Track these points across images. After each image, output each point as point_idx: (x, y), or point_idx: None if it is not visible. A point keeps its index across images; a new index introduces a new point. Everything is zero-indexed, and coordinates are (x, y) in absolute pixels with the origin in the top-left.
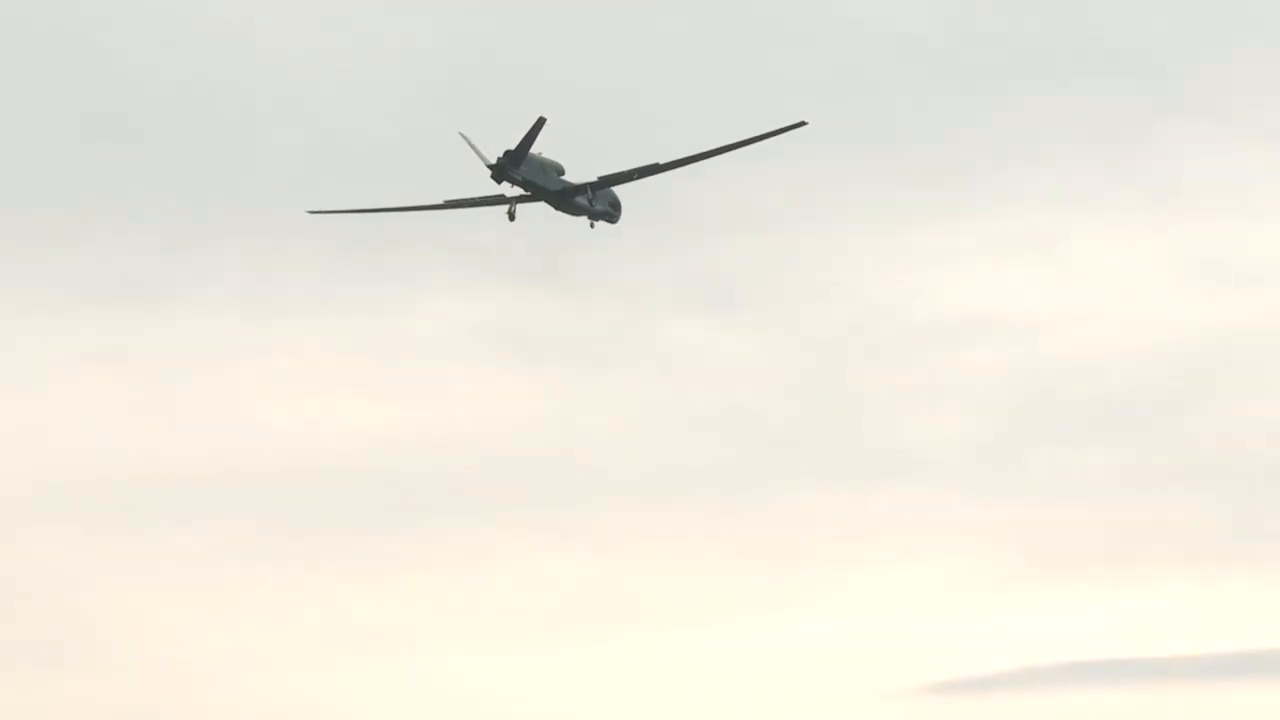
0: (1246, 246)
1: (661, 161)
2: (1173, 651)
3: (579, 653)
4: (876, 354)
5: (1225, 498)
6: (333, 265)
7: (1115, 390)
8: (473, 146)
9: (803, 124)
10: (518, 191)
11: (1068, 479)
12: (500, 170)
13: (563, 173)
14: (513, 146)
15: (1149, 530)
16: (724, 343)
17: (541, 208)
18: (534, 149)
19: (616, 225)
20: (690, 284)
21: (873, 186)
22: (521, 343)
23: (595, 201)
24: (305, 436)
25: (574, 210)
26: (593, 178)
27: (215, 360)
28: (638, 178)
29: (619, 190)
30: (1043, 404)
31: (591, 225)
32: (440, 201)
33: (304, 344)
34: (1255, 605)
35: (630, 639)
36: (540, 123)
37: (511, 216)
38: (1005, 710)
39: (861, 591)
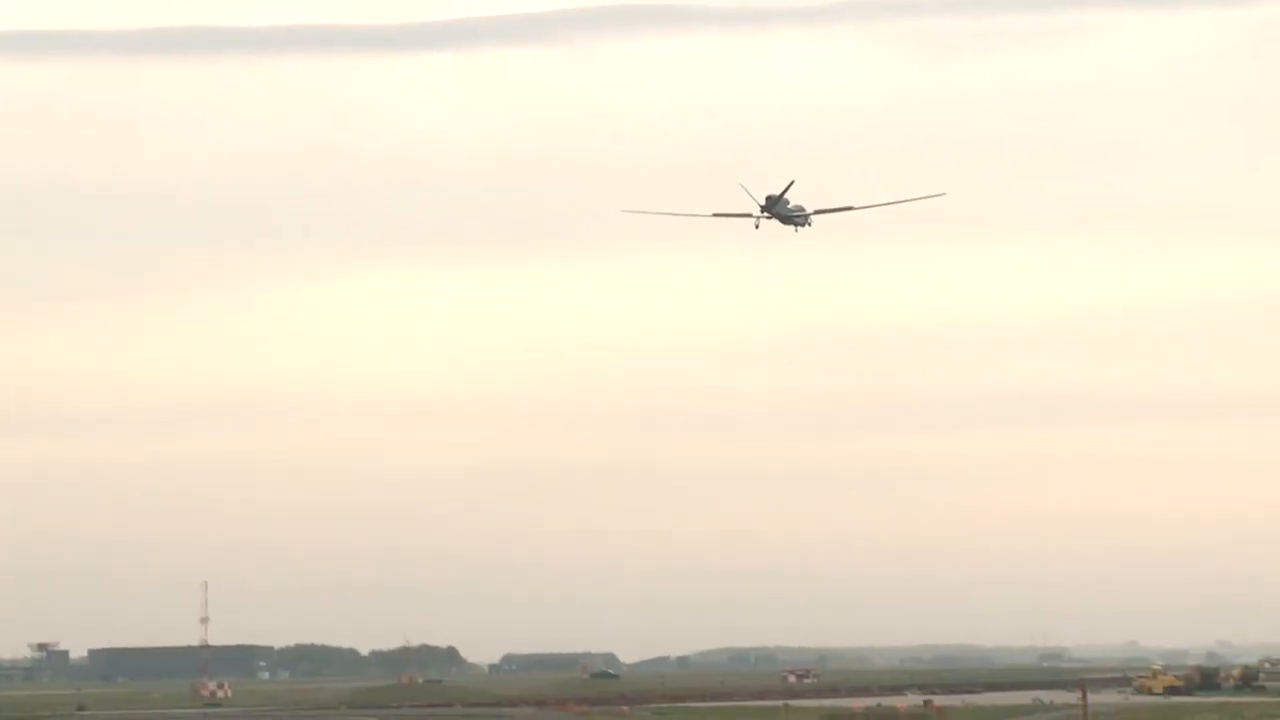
0: None
1: (856, 205)
2: None
3: None
4: None
5: None
6: None
7: None
8: (748, 192)
9: (943, 194)
10: (763, 214)
11: None
12: (767, 206)
13: (790, 204)
14: (774, 193)
15: None
16: None
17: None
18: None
19: (809, 226)
20: None
21: None
22: None
23: (806, 220)
24: None
25: (791, 223)
26: (810, 209)
27: None
28: (835, 211)
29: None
30: None
31: (796, 230)
32: (710, 213)
33: None
34: None
35: None
36: (791, 183)
37: (757, 226)
38: None
39: None
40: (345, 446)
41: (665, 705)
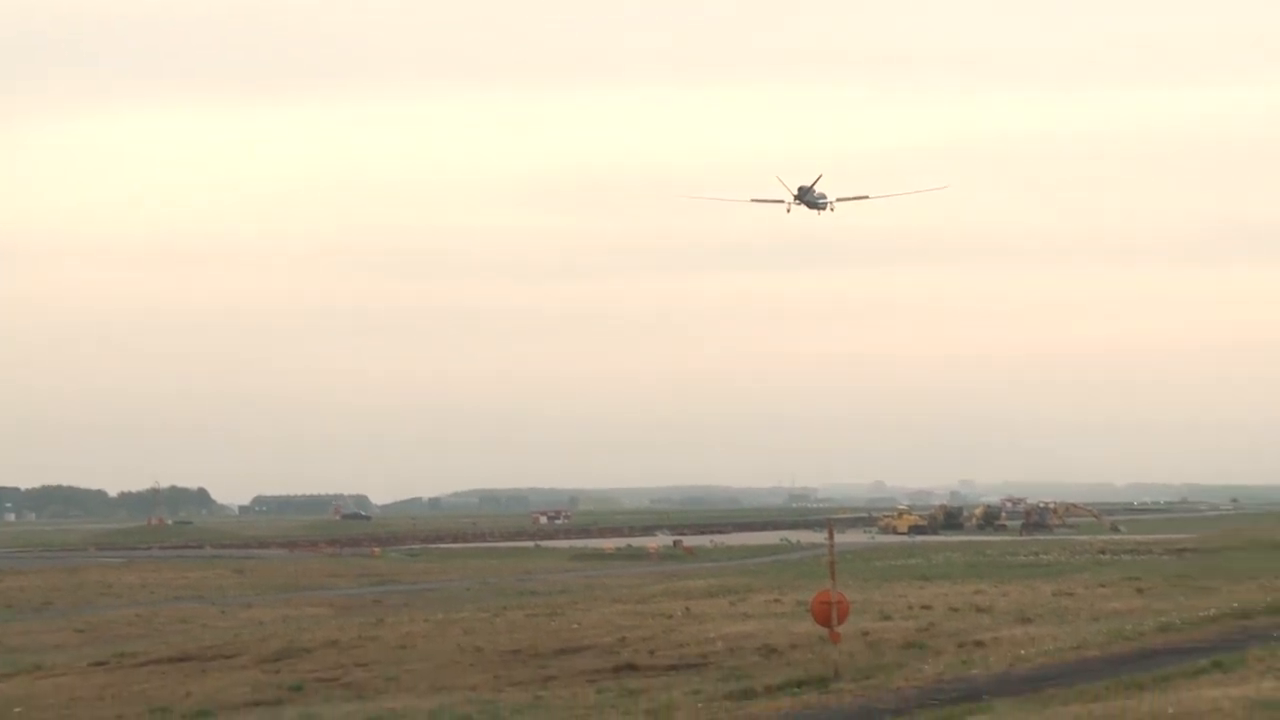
0: None
1: (871, 194)
2: None
3: None
4: None
5: None
6: None
7: None
8: (783, 183)
9: (946, 187)
10: (795, 201)
11: None
12: (799, 196)
13: (816, 192)
14: (805, 184)
15: None
16: None
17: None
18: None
19: (832, 211)
20: None
21: None
22: None
23: (829, 206)
24: None
25: (816, 208)
26: (833, 197)
27: None
28: (854, 200)
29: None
30: None
31: (819, 214)
32: (749, 199)
33: None
34: None
35: None
36: (820, 176)
37: (788, 210)
38: None
39: None
40: (92, 286)
41: (417, 546)
